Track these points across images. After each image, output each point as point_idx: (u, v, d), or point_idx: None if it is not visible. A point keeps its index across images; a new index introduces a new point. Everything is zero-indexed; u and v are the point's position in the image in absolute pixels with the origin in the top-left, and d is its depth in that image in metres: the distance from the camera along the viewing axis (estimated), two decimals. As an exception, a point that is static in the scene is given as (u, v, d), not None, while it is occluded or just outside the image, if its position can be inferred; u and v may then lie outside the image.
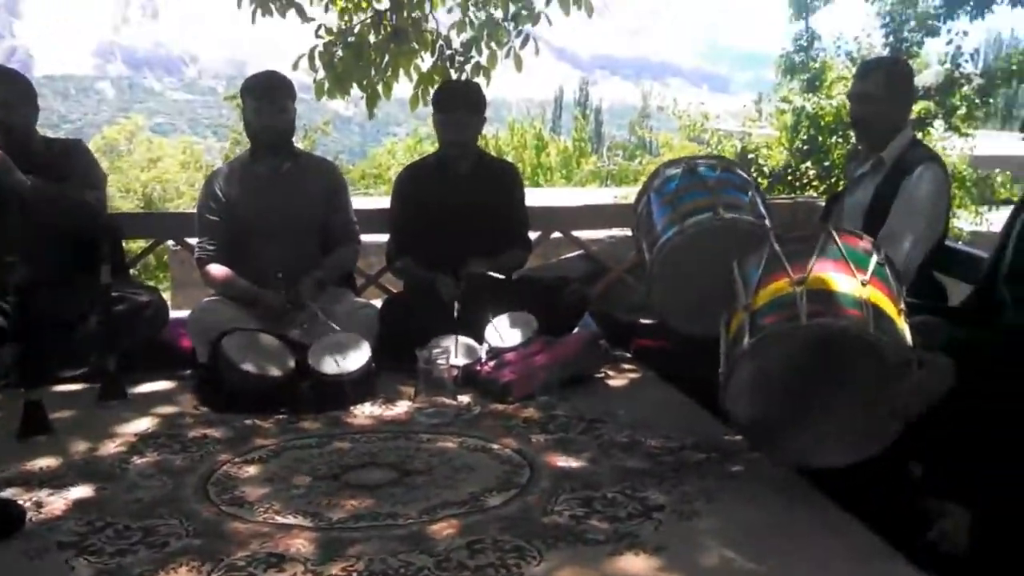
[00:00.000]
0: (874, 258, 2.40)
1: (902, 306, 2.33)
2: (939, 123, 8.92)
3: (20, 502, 2.33)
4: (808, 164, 8.52)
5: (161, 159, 35.12)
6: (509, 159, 23.50)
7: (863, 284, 2.28)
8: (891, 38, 9.03)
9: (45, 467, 2.63)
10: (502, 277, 3.77)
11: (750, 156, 8.98)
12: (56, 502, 2.38)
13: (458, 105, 3.92)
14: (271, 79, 3.79)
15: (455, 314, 3.55)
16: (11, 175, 3.42)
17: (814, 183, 8.44)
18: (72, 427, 2.97)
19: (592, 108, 50.71)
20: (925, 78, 9.14)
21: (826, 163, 8.51)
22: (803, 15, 9.11)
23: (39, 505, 2.36)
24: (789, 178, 8.51)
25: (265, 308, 3.55)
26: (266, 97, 3.70)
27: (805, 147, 8.64)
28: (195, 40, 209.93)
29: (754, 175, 8.78)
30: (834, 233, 2.46)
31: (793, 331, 2.26)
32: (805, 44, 9.23)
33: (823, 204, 4.29)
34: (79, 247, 3.50)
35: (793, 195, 7.75)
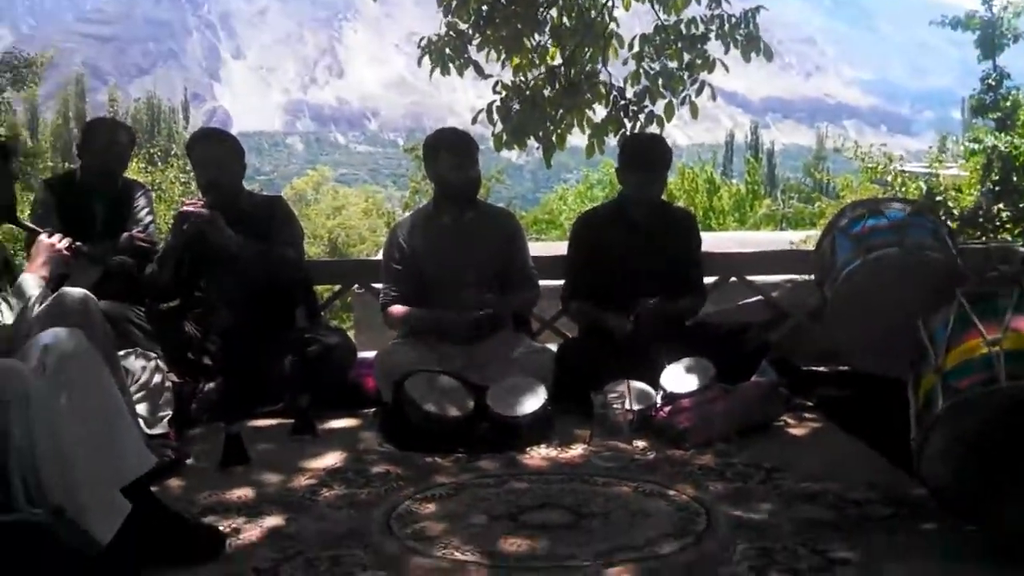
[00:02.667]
0: None
1: None
2: None
3: (220, 528, 2.48)
4: (1001, 205, 8.04)
5: (345, 207, 37.10)
6: (680, 203, 23.43)
7: None
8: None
9: (242, 496, 2.80)
10: (674, 313, 3.75)
11: (938, 197, 8.56)
12: (252, 530, 2.52)
13: (648, 164, 3.97)
14: (465, 136, 3.97)
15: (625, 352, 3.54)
16: (222, 233, 3.72)
17: (1007, 225, 7.96)
18: (267, 460, 3.15)
19: (764, 151, 49.75)
20: None
21: (1021, 204, 8.01)
22: (990, 54, 8.69)
23: (237, 532, 2.50)
24: (981, 220, 8.05)
25: (453, 328, 3.67)
26: (464, 153, 3.87)
27: (997, 188, 8.17)
28: (376, 96, 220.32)
29: (943, 218, 8.43)
30: None
31: (991, 395, 2.15)
32: (994, 83, 8.77)
33: (1021, 248, 4.04)
34: (277, 295, 3.76)
35: (985, 239, 7.33)
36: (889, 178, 9.24)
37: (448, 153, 3.87)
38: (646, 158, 4.02)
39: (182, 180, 26.49)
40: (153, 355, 3.33)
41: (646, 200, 3.98)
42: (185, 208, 3.83)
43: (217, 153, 3.94)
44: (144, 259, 3.93)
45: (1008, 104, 8.54)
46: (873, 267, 2.89)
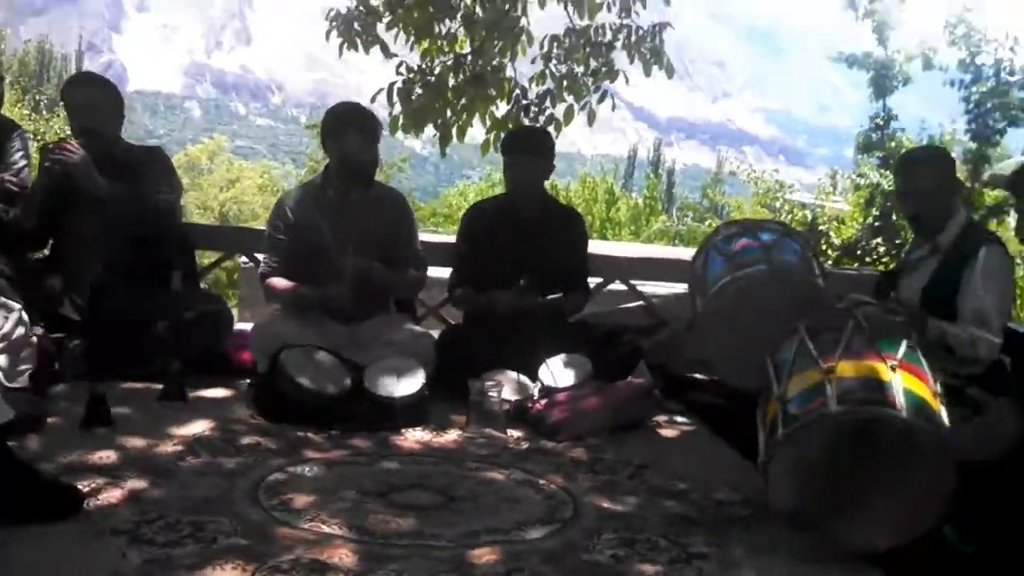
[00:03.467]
0: (904, 342, 2.42)
1: (935, 387, 2.35)
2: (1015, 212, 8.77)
3: (79, 487, 2.39)
4: (879, 240, 8.45)
5: (239, 180, 36.17)
6: (579, 211, 23.68)
7: (892, 368, 2.30)
8: (974, 125, 8.95)
9: (104, 458, 2.71)
10: (559, 296, 3.82)
11: (821, 228, 8.94)
12: (112, 491, 2.44)
13: (526, 149, 4.02)
14: (372, 116, 3.91)
15: (507, 335, 3.61)
16: (90, 176, 3.58)
17: (884, 259, 8.36)
18: (132, 423, 3.06)
19: (665, 168, 50.88)
20: (1005, 167, 9.03)
21: (897, 240, 8.43)
22: (881, 95, 9.11)
23: (96, 492, 2.42)
24: (859, 252, 8.44)
25: (331, 303, 3.64)
26: (370, 133, 3.82)
27: (877, 223, 8.58)
28: (282, 69, 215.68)
29: (824, 247, 8.80)
30: (861, 320, 2.49)
31: (823, 419, 2.28)
32: (882, 123, 9.21)
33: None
34: (153, 253, 3.64)
35: (857, 269, 7.69)
36: (778, 204, 9.60)
37: (356, 131, 3.81)
38: (522, 143, 4.12)
39: (66, 132, 25.37)
40: (16, 306, 3.16)
41: (525, 186, 4.01)
42: (52, 146, 3.67)
43: (94, 98, 3.79)
44: (13, 205, 3.75)
45: (893, 144, 8.96)
46: (740, 284, 3.04)
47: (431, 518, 2.45)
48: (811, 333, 2.50)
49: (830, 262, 8.21)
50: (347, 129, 3.82)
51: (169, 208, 3.79)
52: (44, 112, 25.77)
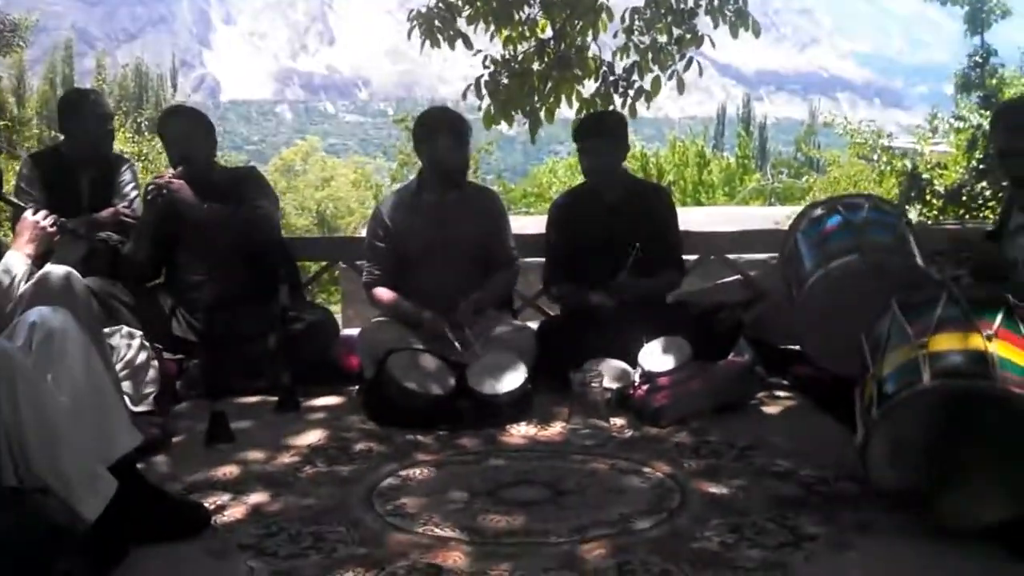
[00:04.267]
0: (1002, 310, 2.34)
1: None
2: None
3: (206, 505, 2.53)
4: (984, 184, 8.09)
5: (334, 178, 36.93)
6: (670, 177, 23.38)
7: (988, 338, 2.23)
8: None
9: (227, 473, 2.86)
10: (653, 281, 3.83)
11: (923, 175, 8.61)
12: (237, 506, 2.57)
13: (596, 132, 4.03)
14: (462, 119, 4.00)
15: (607, 325, 3.62)
16: (189, 201, 3.75)
17: (990, 203, 8.01)
18: (251, 437, 3.21)
19: (756, 125, 49.71)
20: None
21: (1004, 183, 8.07)
22: (978, 30, 8.68)
23: (222, 509, 2.55)
24: (964, 198, 8.11)
25: (427, 329, 3.71)
26: (461, 137, 3.91)
27: (981, 166, 8.20)
28: (367, 64, 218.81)
29: (927, 195, 8.49)
30: (954, 290, 2.42)
31: (919, 395, 2.23)
32: (980, 60, 8.77)
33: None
34: (260, 270, 3.80)
35: (961, 220, 7.40)
36: (875, 156, 9.28)
37: (447, 135, 3.89)
38: (591, 127, 4.13)
39: (171, 151, 26.23)
40: (138, 332, 3.36)
41: (599, 172, 4.02)
42: (151, 180, 3.85)
43: (186, 128, 3.97)
44: (128, 234, 3.96)
45: (993, 82, 8.56)
46: (833, 277, 2.99)
47: (540, 514, 2.49)
48: (904, 308, 2.44)
49: (935, 211, 7.92)
50: (438, 134, 3.89)
51: (266, 216, 3.94)
52: (146, 134, 26.77)
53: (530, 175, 30.85)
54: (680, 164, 24.45)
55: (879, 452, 2.31)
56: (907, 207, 8.29)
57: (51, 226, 3.03)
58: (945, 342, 2.29)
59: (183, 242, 3.91)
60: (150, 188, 3.77)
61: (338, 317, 6.02)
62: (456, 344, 3.62)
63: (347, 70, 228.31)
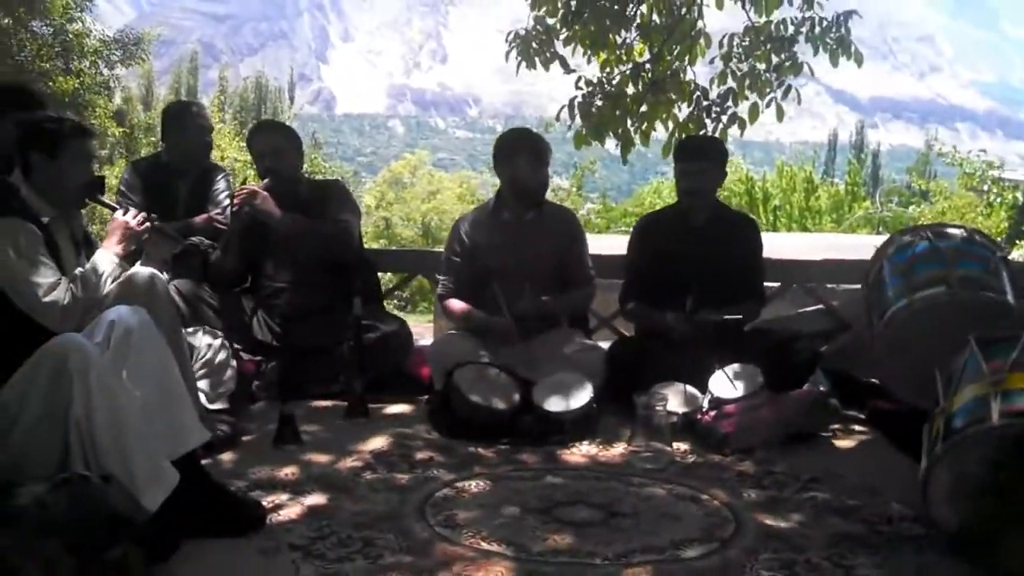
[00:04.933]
0: None
1: None
2: None
3: (265, 503, 2.61)
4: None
5: (440, 192, 37.50)
6: (776, 201, 22.90)
7: None
8: None
9: (289, 474, 2.93)
10: (736, 318, 3.75)
11: (1033, 208, 8.24)
12: (293, 507, 2.64)
13: (696, 155, 3.99)
14: (542, 140, 4.05)
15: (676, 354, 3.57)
16: (272, 212, 3.86)
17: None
18: (318, 440, 3.29)
19: (869, 151, 48.38)
20: None
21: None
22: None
23: (279, 508, 2.62)
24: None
25: (496, 333, 3.75)
26: (540, 157, 3.96)
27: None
28: (478, 83, 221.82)
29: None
30: None
31: (984, 433, 2.17)
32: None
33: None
34: (336, 280, 3.90)
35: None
36: (986, 187, 8.92)
37: (526, 156, 3.94)
38: (692, 149, 4.11)
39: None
40: (220, 333, 3.49)
41: (696, 192, 3.98)
42: (236, 191, 3.99)
43: (273, 142, 4.09)
44: (220, 240, 4.11)
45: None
46: (918, 310, 2.90)
47: (590, 535, 2.48)
48: (982, 345, 2.36)
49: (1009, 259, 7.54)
50: (517, 155, 3.94)
51: (347, 231, 4.03)
52: (261, 143, 27.67)
53: (634, 195, 30.66)
54: (787, 189, 23.89)
55: (941, 488, 2.24)
56: (1017, 241, 7.97)
57: (139, 225, 3.13)
58: (1020, 381, 2.22)
59: (267, 251, 4.03)
60: (235, 200, 3.90)
61: (429, 328, 6.13)
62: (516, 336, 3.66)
63: (458, 87, 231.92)
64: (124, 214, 3.15)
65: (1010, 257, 3.48)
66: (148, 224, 3.17)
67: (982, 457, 2.18)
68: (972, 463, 2.20)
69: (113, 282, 2.97)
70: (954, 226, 3.58)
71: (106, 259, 3.01)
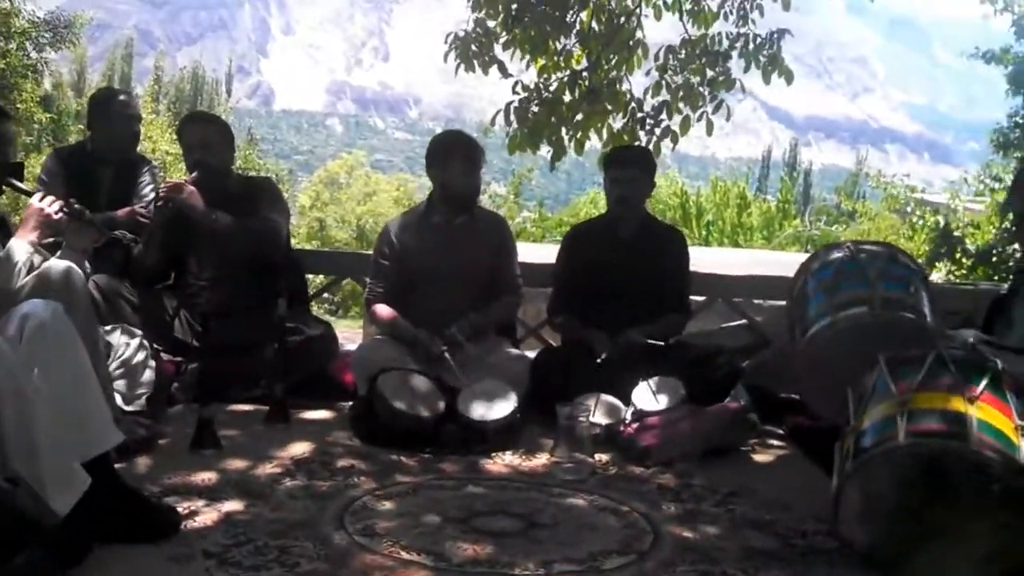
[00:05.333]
0: (988, 375, 2.32)
1: (1020, 422, 2.24)
2: None
3: (179, 509, 2.54)
4: (1016, 246, 7.96)
5: (376, 194, 37.21)
6: (709, 216, 23.27)
7: (970, 400, 2.21)
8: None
9: (206, 479, 2.87)
10: (660, 344, 3.79)
11: (956, 232, 8.50)
12: (209, 513, 2.58)
13: (628, 163, 4.04)
14: (476, 144, 4.03)
15: (599, 368, 3.60)
16: (197, 207, 3.79)
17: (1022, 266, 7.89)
18: (237, 445, 3.22)
19: (801, 169, 49.47)
20: None
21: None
22: (1021, 90, 8.60)
23: (194, 514, 2.56)
24: (994, 259, 7.99)
25: (422, 350, 3.72)
26: (473, 161, 3.94)
27: (1014, 228, 8.08)
28: (419, 83, 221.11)
29: (957, 254, 8.38)
30: (943, 353, 2.40)
31: (890, 452, 2.22)
32: (1021, 120, 8.69)
33: (1003, 290, 4.00)
34: (261, 280, 3.84)
35: (997, 278, 7.27)
36: (909, 208, 9.19)
37: (459, 160, 3.92)
38: (622, 158, 4.18)
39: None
40: (138, 332, 3.40)
41: (626, 200, 4.01)
42: (162, 185, 3.91)
43: (204, 134, 4.01)
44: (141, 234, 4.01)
45: (1032, 143, 8.47)
46: (841, 330, 2.95)
47: (509, 545, 2.48)
48: (891, 364, 2.42)
49: (963, 271, 7.81)
50: (450, 158, 3.93)
51: (274, 230, 3.96)
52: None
53: (571, 204, 30.85)
54: (721, 204, 24.31)
55: (851, 506, 2.29)
56: (937, 263, 8.22)
57: (56, 212, 3.01)
58: (925, 401, 2.28)
59: (191, 247, 3.95)
60: (160, 193, 3.81)
61: (359, 333, 6.06)
62: (451, 363, 3.62)
63: (399, 87, 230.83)
64: (41, 200, 3.03)
65: (930, 278, 3.57)
66: (65, 211, 3.03)
67: (890, 475, 2.24)
68: (880, 482, 2.25)
69: (28, 272, 2.87)
70: (879, 243, 3.66)
71: (19, 247, 2.90)
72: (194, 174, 3.89)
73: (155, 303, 3.88)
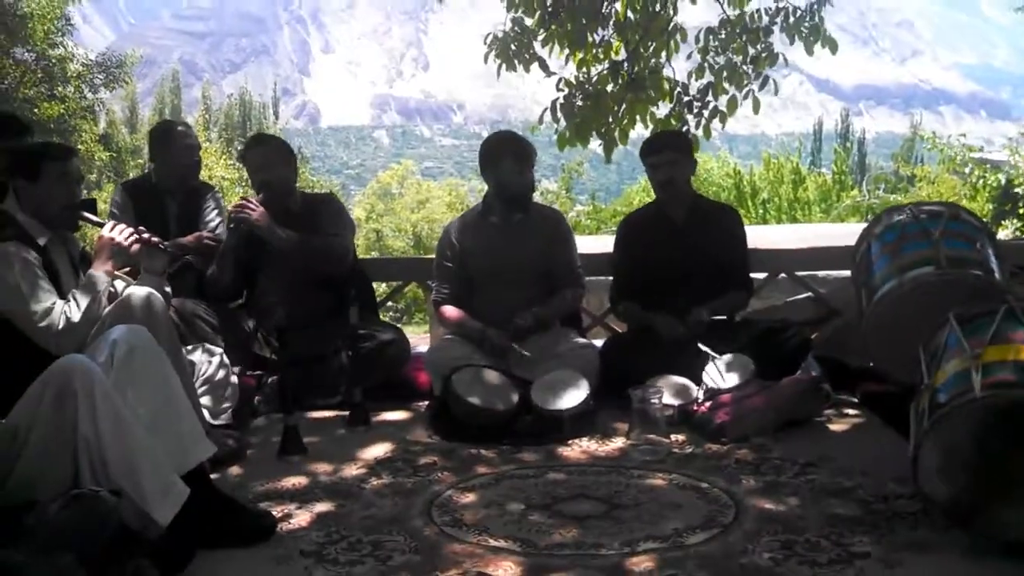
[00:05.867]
0: None
1: None
2: None
3: (274, 513, 2.65)
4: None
5: (429, 200, 37.55)
6: (764, 195, 23.00)
7: None
8: None
9: (296, 484, 2.98)
10: (723, 318, 3.80)
11: (1016, 189, 8.32)
12: (302, 515, 2.68)
13: (663, 147, 4.07)
14: (526, 143, 4.09)
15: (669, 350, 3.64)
16: (270, 228, 3.91)
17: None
18: (322, 450, 3.33)
19: (855, 139, 48.56)
20: None
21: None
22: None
23: (288, 517, 2.67)
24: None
25: (489, 345, 3.79)
26: (525, 160, 4.01)
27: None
28: (461, 88, 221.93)
29: (1021, 210, 8.19)
30: (1012, 303, 2.39)
31: (967, 405, 2.22)
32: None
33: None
34: (331, 292, 3.94)
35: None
36: (967, 169, 9.01)
37: (511, 159, 3.99)
38: (654, 143, 4.18)
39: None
40: (218, 350, 3.53)
41: (668, 184, 4.04)
42: (234, 205, 4.03)
43: (267, 156, 4.13)
44: (211, 258, 4.14)
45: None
46: (907, 289, 2.94)
47: (594, 527, 2.53)
48: (961, 320, 2.42)
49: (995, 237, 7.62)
50: (501, 158, 3.99)
51: (340, 245, 4.08)
52: (246, 161, 27.66)
53: (623, 195, 30.72)
54: (775, 181, 23.98)
55: (930, 462, 2.30)
56: (1002, 222, 8.06)
57: (127, 239, 3.14)
58: (999, 354, 2.28)
59: (264, 264, 4.08)
60: (232, 214, 3.95)
61: (426, 339, 6.16)
62: (521, 353, 3.68)
63: (442, 94, 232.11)
64: (110, 231, 3.16)
65: (996, 236, 3.53)
66: (135, 237, 3.16)
67: (967, 429, 2.24)
68: (958, 436, 2.25)
69: (108, 299, 3.01)
70: (941, 204, 3.63)
71: (97, 278, 3.03)
72: (260, 195, 4.02)
73: (233, 322, 4.01)
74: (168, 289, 3.24)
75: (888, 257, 3.07)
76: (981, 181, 8.71)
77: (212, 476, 2.72)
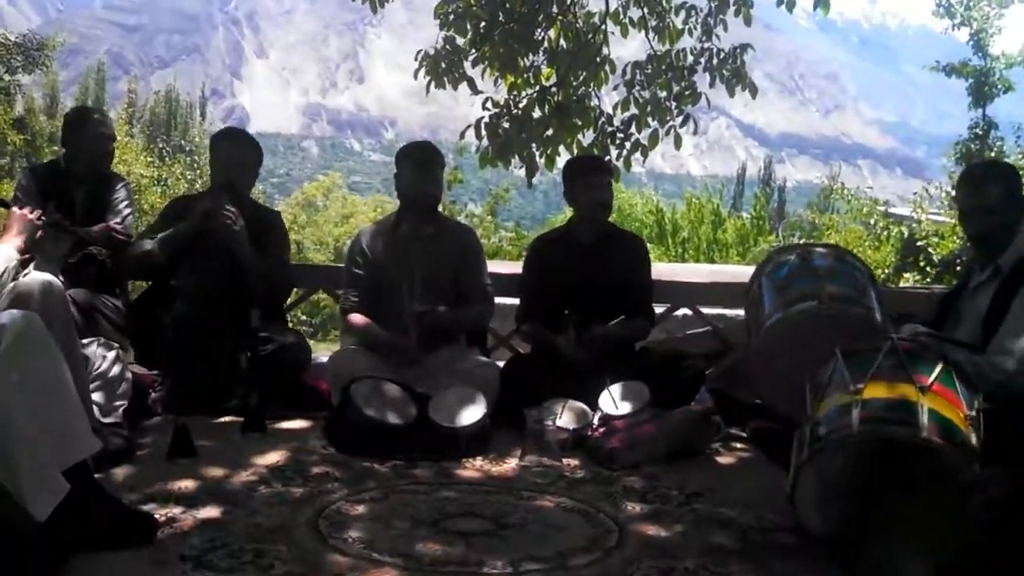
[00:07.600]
0: (939, 365, 2.42)
1: (970, 412, 2.34)
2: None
3: (157, 516, 2.60)
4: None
5: (354, 215, 37.27)
6: (684, 233, 23.47)
7: (921, 390, 2.31)
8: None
9: (183, 487, 2.92)
10: (623, 344, 3.87)
11: (919, 243, 8.69)
12: (186, 520, 2.63)
13: (599, 169, 4.17)
14: (429, 151, 4.12)
15: (571, 368, 3.72)
16: (243, 246, 3.90)
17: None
18: (213, 454, 3.28)
19: (775, 186, 50.01)
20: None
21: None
22: (981, 103, 8.85)
23: (171, 521, 2.61)
24: (958, 267, 8.18)
25: (399, 352, 3.80)
26: (424, 168, 4.02)
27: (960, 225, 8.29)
28: (395, 105, 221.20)
29: (922, 263, 8.56)
30: (897, 345, 2.49)
31: (845, 440, 2.32)
32: (981, 132, 8.93)
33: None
34: (237, 292, 3.89)
35: (930, 286, 7.44)
36: (872, 221, 9.39)
37: (411, 165, 4.03)
38: (594, 164, 4.32)
39: (188, 177, 26.69)
40: (115, 346, 3.45)
41: (604, 205, 4.14)
42: (213, 208, 3.94)
43: (243, 156, 4.10)
44: (116, 250, 4.06)
45: (991, 154, 8.69)
46: (790, 322, 3.07)
47: (479, 546, 2.55)
48: (846, 356, 2.52)
49: (928, 279, 7.98)
50: (404, 164, 4.03)
51: (291, 284, 4.13)
52: (167, 160, 27.17)
53: (547, 223, 31.02)
54: (695, 221, 24.59)
55: (807, 493, 2.38)
56: (904, 274, 8.41)
57: (38, 218, 3.10)
58: (878, 390, 2.37)
59: (191, 260, 4.00)
60: (206, 216, 3.89)
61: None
62: (414, 335, 3.75)
63: (375, 109, 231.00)
64: (20, 208, 3.11)
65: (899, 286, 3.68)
66: (45, 219, 3.12)
67: (844, 462, 2.34)
68: (834, 469, 2.35)
69: (10, 279, 2.93)
70: (827, 245, 3.79)
71: (3, 253, 2.97)
72: (217, 192, 3.98)
73: (135, 316, 3.92)
74: (61, 277, 3.17)
75: (775, 293, 3.20)
76: (885, 233, 9.09)
77: (97, 476, 2.66)
